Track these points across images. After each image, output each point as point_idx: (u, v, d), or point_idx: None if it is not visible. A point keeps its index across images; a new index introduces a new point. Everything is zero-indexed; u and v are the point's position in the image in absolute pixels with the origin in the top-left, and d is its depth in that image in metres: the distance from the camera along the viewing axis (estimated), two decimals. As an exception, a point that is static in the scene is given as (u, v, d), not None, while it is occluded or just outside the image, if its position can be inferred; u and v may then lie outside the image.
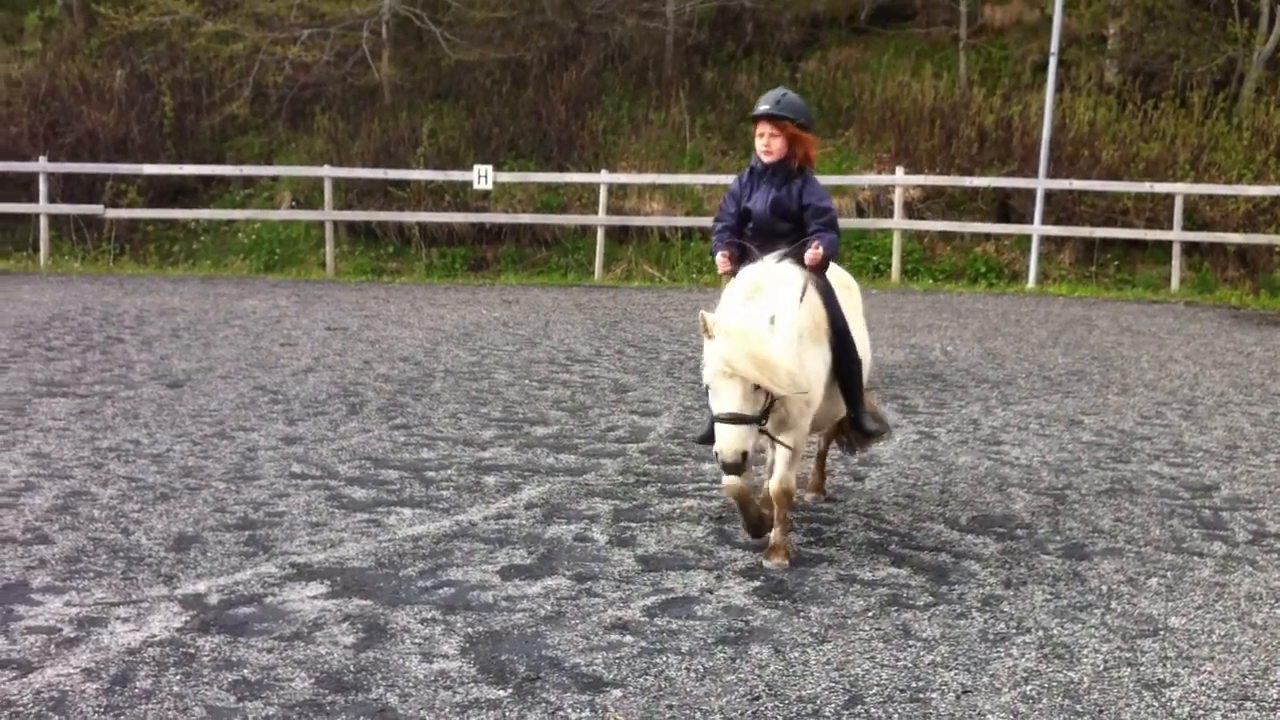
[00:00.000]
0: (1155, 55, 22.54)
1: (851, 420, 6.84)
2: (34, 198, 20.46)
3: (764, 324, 5.88)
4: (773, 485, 6.38)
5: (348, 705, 4.67)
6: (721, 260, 6.71)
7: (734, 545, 6.64)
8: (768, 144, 6.77)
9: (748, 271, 6.41)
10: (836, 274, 7.01)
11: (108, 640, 5.25)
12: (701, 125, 22.69)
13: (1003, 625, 5.55)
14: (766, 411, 5.97)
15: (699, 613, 5.65)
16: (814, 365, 6.28)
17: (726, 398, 5.84)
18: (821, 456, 7.65)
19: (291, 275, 19.95)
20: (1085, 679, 5.00)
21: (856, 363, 6.65)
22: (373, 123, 22.36)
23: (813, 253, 6.49)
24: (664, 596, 5.86)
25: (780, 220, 6.74)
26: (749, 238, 6.84)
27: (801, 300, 6.23)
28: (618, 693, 4.80)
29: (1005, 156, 21.14)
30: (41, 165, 20.25)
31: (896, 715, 4.63)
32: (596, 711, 4.63)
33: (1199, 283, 19.43)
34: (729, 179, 20.98)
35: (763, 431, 6.05)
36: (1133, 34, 22.81)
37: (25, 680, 4.83)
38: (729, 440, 5.80)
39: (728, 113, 22.94)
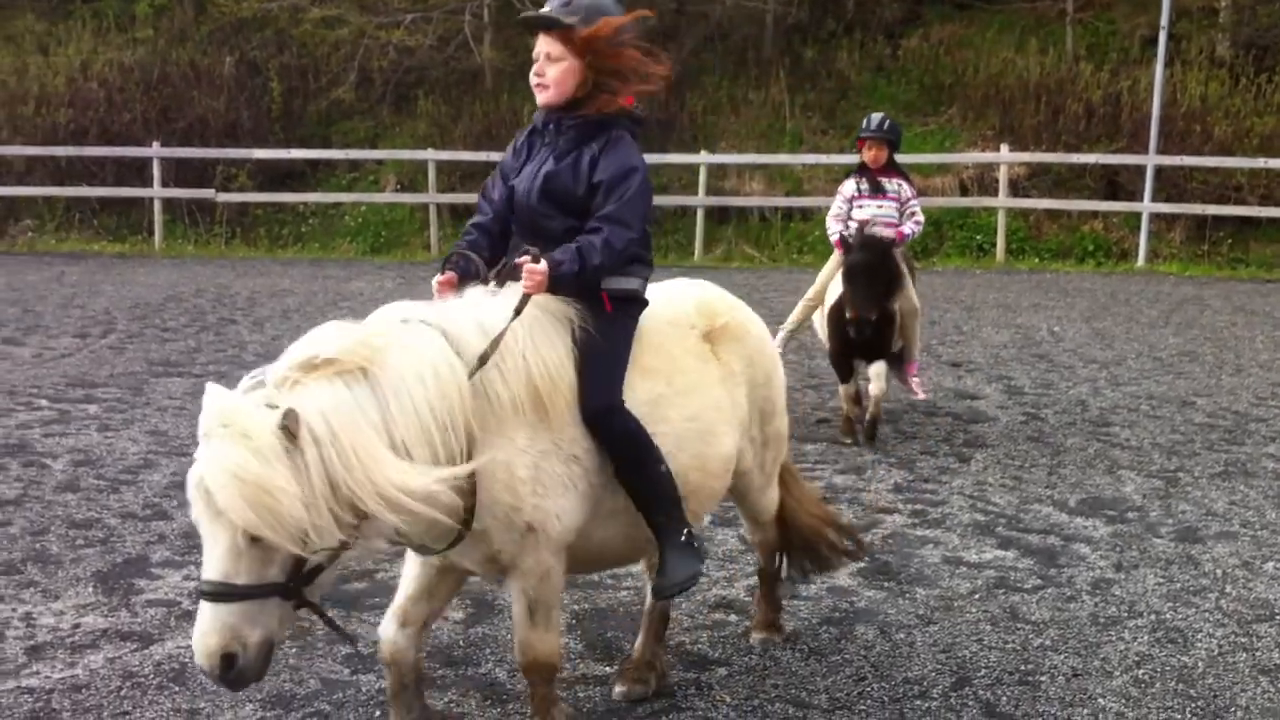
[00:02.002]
0: (1269, 28, 21.86)
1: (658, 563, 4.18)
2: (148, 182, 20.99)
3: (273, 423, 3.30)
4: (516, 652, 4.09)
5: (458, 679, 4.76)
6: (437, 285, 4.21)
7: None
8: (539, 71, 4.17)
9: (380, 316, 3.88)
10: (672, 303, 4.48)
11: (226, 613, 5.39)
12: (801, 104, 22.52)
13: (1114, 609, 5.48)
14: (298, 577, 3.44)
15: (803, 593, 5.66)
16: (519, 469, 3.79)
17: (208, 553, 3.38)
18: (764, 579, 5.14)
19: (397, 257, 20.24)
20: (1199, 664, 4.92)
21: (653, 469, 4.00)
22: (475, 106, 22.56)
23: (531, 279, 3.91)
24: (768, 576, 5.86)
25: (552, 210, 4.14)
26: (515, 237, 4.28)
27: (487, 358, 3.77)
28: (723, 671, 4.83)
29: (1113, 133, 20.67)
30: (155, 150, 20.77)
31: (1005, 698, 4.60)
32: (702, 689, 4.67)
33: (1316, 261, 18.88)
34: (830, 159, 21.03)
35: (305, 604, 3.52)
36: (1245, 6, 22.15)
37: (146, 652, 5.00)
38: (201, 630, 3.36)
39: (828, 91, 22.75)
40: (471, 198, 20.97)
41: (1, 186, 21.43)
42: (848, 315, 8.13)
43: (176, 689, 4.66)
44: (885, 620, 5.34)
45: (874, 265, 8.09)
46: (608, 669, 4.83)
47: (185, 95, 22.80)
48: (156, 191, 20.79)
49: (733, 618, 5.36)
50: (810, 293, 9.07)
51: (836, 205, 8.79)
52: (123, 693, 4.63)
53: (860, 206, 8.66)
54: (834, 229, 8.65)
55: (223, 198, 21.13)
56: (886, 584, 5.77)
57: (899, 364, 8.82)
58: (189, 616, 5.34)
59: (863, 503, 7.02)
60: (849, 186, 8.74)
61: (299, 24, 23.11)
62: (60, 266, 18.11)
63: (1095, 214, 20.15)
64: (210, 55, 23.79)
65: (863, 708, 4.52)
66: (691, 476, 4.17)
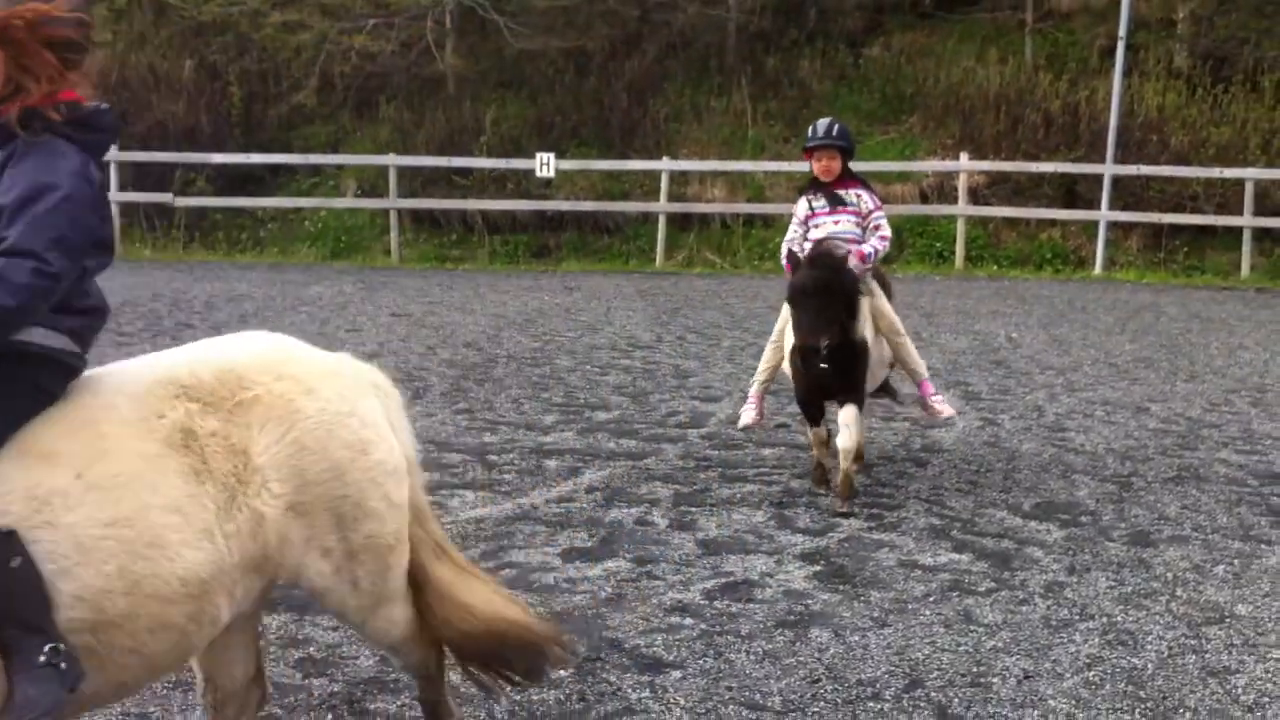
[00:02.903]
0: (1226, 39, 22.12)
1: None
2: (105, 186, 20.79)
3: None
4: None
5: (410, 683, 4.72)
6: None
7: (794, 530, 6.64)
8: None
9: None
10: (163, 366, 3.52)
11: (178, 617, 5.35)
12: (764, 112, 22.61)
13: (1066, 611, 5.52)
14: None
15: (759, 596, 5.67)
16: None
17: None
18: (428, 711, 4.14)
19: (357, 262, 20.16)
20: (1149, 665, 4.96)
21: None
22: (437, 112, 22.51)
23: None
24: (724, 580, 5.88)
25: None
26: None
27: None
28: (677, 674, 4.83)
29: (1072, 142, 20.86)
30: (113, 154, 20.53)
31: (957, 699, 4.63)
32: (656, 692, 4.67)
33: (1270, 269, 19.09)
34: (791, 166, 21.07)
35: None
36: (1203, 17, 22.41)
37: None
38: None
39: (790, 100, 22.84)
40: (434, 203, 20.99)
41: (-44, 190, 21.19)
42: (795, 343, 7.20)
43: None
44: (840, 623, 5.35)
45: (823, 284, 6.89)
46: (560, 672, 4.81)
47: (144, 99, 22.62)
48: (114, 195, 20.58)
49: (687, 621, 5.36)
50: (774, 332, 7.80)
51: (791, 229, 7.71)
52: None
53: (816, 225, 7.57)
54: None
55: (181, 202, 20.98)
56: (842, 587, 5.79)
57: (890, 393, 8.33)
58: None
59: (820, 507, 7.05)
60: (802, 206, 7.67)
61: (260, 28, 23.00)
62: (16, 270, 17.90)
63: (1054, 222, 20.33)
64: (170, 59, 23.63)
65: (816, 710, 4.53)
66: (117, 601, 3.15)
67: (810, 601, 5.61)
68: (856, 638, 5.19)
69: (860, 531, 6.62)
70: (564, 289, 17.07)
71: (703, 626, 5.30)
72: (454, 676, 4.22)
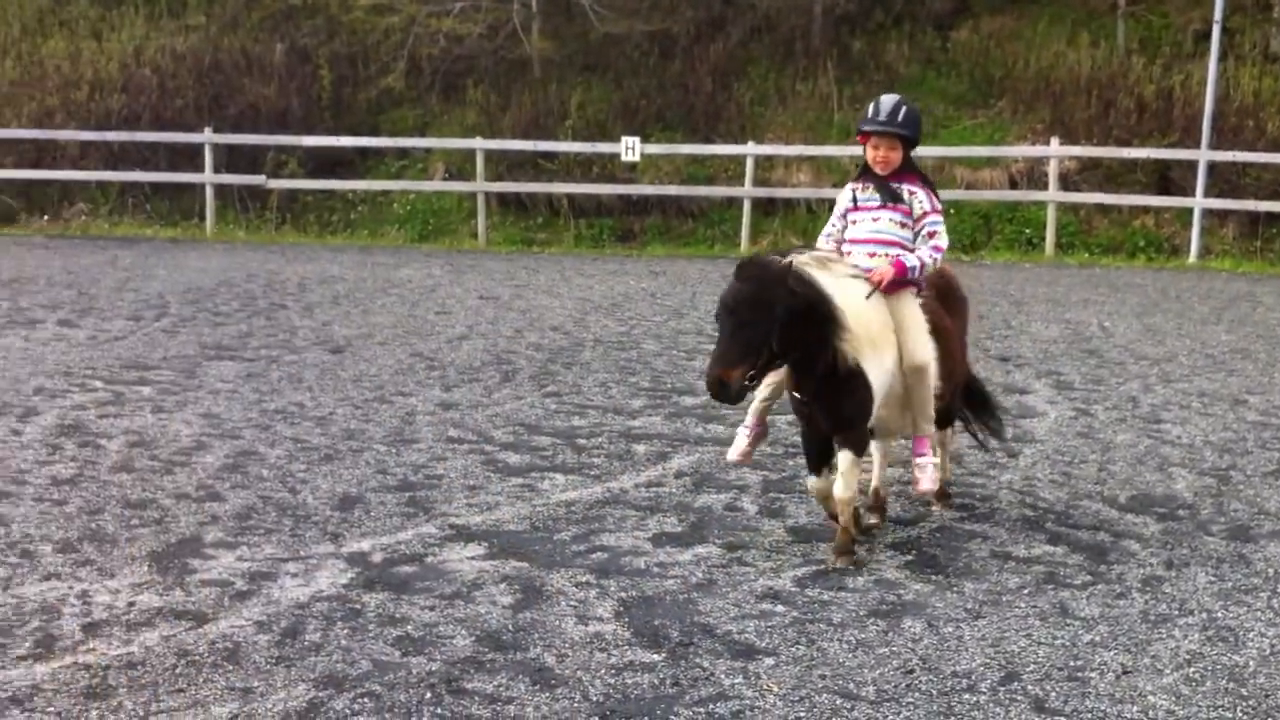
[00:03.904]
0: (1328, 22, 21.56)
1: None
2: (200, 168, 21.18)
3: None
4: None
5: (507, 664, 4.80)
6: None
7: (885, 518, 6.61)
8: None
9: None
10: None
11: (278, 594, 5.47)
12: (849, 96, 22.41)
13: (1164, 606, 5.45)
14: None
15: (850, 585, 5.66)
16: None
17: None
18: None
19: (444, 245, 20.33)
20: (1251, 663, 4.88)
21: None
22: (523, 95, 22.61)
23: None
24: (814, 567, 5.88)
25: None
26: None
27: None
28: (770, 661, 4.85)
29: (1165, 128, 20.44)
30: (207, 137, 20.96)
31: (1054, 693, 4.59)
32: (749, 679, 4.68)
33: (1372, 259, 18.60)
34: (878, 150, 20.85)
35: None
36: (1305, -1, 21.84)
37: (201, 631, 5.08)
38: None
39: (876, 83, 22.59)
40: (520, 187, 21.11)
41: (56, 170, 21.70)
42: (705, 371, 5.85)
43: (230, 668, 4.73)
44: (933, 613, 5.33)
45: (747, 300, 5.54)
46: (654, 656, 4.86)
47: (236, 82, 23.00)
48: (208, 177, 20.98)
49: (779, 608, 5.37)
50: None
51: (829, 223, 6.43)
52: (177, 670, 4.70)
53: (854, 221, 6.27)
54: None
55: (273, 184, 21.30)
56: (934, 577, 5.77)
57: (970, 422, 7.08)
58: (242, 597, 5.42)
59: (910, 496, 7.01)
60: (844, 197, 6.33)
61: (349, 11, 23.25)
62: (114, 250, 18.33)
63: (1147, 209, 19.95)
64: (261, 42, 23.97)
65: (910, 700, 4.53)
66: None
67: (902, 591, 5.59)
68: (950, 629, 5.17)
69: (952, 522, 6.58)
70: (649, 273, 17.09)
71: (794, 614, 5.30)
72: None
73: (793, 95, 22.68)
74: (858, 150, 22.44)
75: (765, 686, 4.61)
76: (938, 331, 6.23)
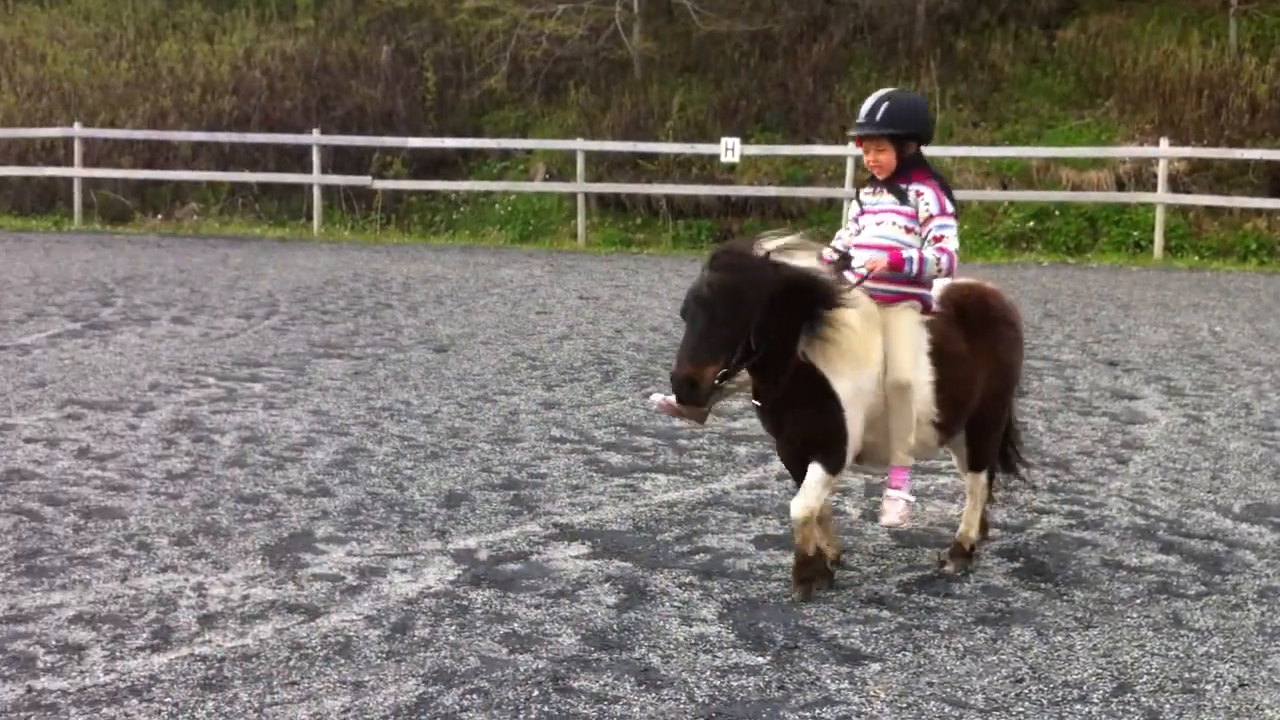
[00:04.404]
0: None
1: None
2: (308, 169, 21.60)
3: None
4: None
5: (612, 663, 4.83)
6: None
7: (991, 524, 6.53)
8: None
9: None
10: None
11: (387, 589, 5.56)
12: (952, 96, 22.17)
13: (1282, 619, 5.32)
14: None
15: (956, 591, 5.61)
16: None
17: None
18: None
19: (545, 245, 20.48)
20: (1374, 680, 4.75)
21: None
22: (623, 96, 22.70)
23: None
24: (919, 573, 5.84)
25: None
26: None
27: None
28: (876, 666, 4.82)
29: (1279, 128, 19.94)
30: (315, 138, 21.35)
31: (1169, 705, 4.51)
32: (855, 684, 4.66)
33: None
34: (981, 151, 20.63)
35: None
36: None
37: (313, 624, 5.18)
38: None
39: (980, 83, 22.36)
40: (619, 187, 21.19)
41: (169, 170, 22.26)
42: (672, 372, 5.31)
43: (342, 661, 4.82)
44: (1043, 622, 5.26)
45: (723, 291, 5.12)
46: (759, 659, 4.86)
47: (343, 84, 23.41)
48: (316, 178, 21.38)
49: (884, 613, 5.33)
50: None
51: (838, 234, 6.02)
52: (291, 663, 4.80)
53: (861, 228, 5.82)
54: None
55: (379, 185, 21.63)
56: (1043, 585, 5.69)
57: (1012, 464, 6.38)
58: (352, 591, 5.52)
59: (1016, 502, 6.92)
60: (854, 207, 5.94)
61: (454, 14, 23.54)
62: (224, 249, 18.76)
63: (1259, 212, 19.44)
64: (368, 45, 24.37)
65: (1020, 710, 4.47)
66: None
67: (1010, 599, 5.53)
68: (1060, 638, 5.10)
69: (1060, 529, 6.49)
70: (748, 274, 17.02)
71: (900, 619, 5.27)
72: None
73: (894, 95, 22.44)
74: (961, 150, 22.12)
75: (872, 693, 4.59)
76: (942, 354, 5.60)
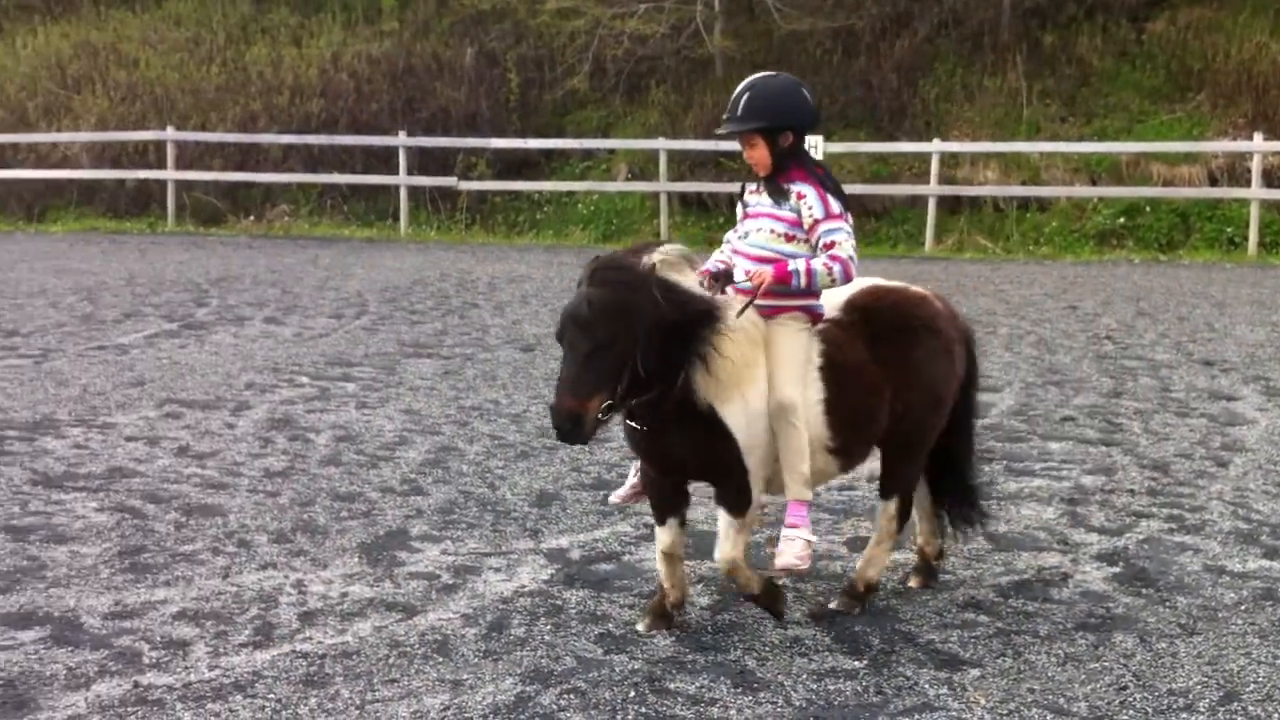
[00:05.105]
0: None
1: None
2: (394, 170, 21.86)
3: None
4: None
5: (708, 665, 4.83)
6: None
7: (1088, 528, 6.44)
8: None
9: None
10: None
11: (482, 588, 5.61)
12: (1039, 91, 21.87)
13: (1394, 628, 5.18)
14: None
15: (1055, 596, 5.53)
16: None
17: None
18: None
19: (628, 244, 20.48)
20: None
21: None
22: (705, 95, 22.67)
23: None
24: (1016, 577, 5.77)
25: None
26: None
27: None
28: (975, 672, 4.77)
29: (1380, 121, 19.46)
30: (401, 140, 21.61)
31: (1278, 715, 4.41)
32: (954, 689, 4.62)
33: None
34: (1070, 147, 20.33)
35: None
36: None
37: (411, 622, 5.23)
38: None
39: (1068, 78, 22.03)
40: (702, 186, 21.18)
41: (260, 173, 22.64)
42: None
43: (440, 660, 4.87)
44: (1145, 628, 5.17)
45: (605, 312, 4.54)
46: (856, 663, 4.83)
47: (428, 86, 23.65)
48: (403, 179, 21.63)
49: (982, 618, 5.28)
50: None
51: (726, 235, 5.41)
52: (390, 661, 4.86)
53: (745, 234, 5.19)
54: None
55: (464, 186, 21.84)
56: (1144, 591, 5.59)
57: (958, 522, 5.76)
58: (448, 590, 5.58)
59: (1114, 505, 6.81)
60: (739, 208, 5.29)
61: (536, 15, 23.67)
62: (314, 250, 19.04)
63: (1360, 207, 18.99)
64: (452, 47, 24.59)
65: (1125, 718, 4.41)
66: None
67: (1111, 604, 5.44)
68: (1164, 645, 5.01)
69: (1160, 533, 6.38)
70: (832, 273, 16.92)
71: (999, 624, 5.21)
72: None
73: (979, 91, 22.23)
74: (1048, 146, 21.87)
75: (972, 699, 4.54)
76: (834, 368, 5.01)
